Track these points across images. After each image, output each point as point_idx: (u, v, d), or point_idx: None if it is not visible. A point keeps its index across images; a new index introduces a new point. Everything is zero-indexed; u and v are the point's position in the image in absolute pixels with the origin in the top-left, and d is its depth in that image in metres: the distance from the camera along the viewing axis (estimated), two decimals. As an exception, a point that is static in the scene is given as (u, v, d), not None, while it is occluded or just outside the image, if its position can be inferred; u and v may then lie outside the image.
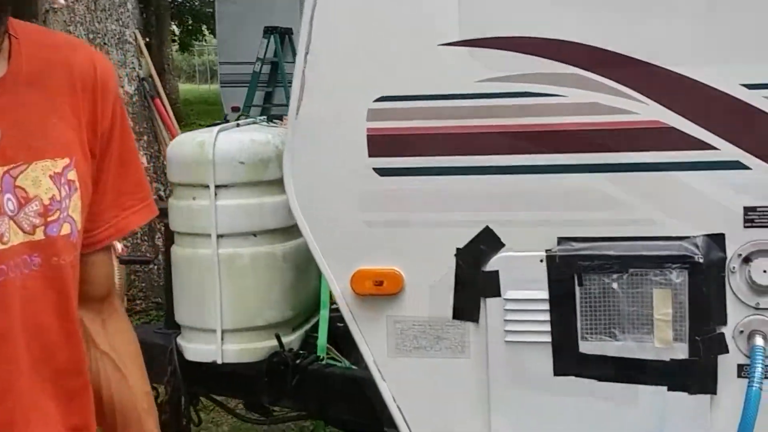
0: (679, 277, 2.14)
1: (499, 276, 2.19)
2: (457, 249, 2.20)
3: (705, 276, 2.12)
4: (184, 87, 26.51)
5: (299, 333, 2.80)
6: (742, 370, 2.15)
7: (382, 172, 2.20)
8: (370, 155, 2.19)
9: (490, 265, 2.19)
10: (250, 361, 2.69)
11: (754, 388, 2.02)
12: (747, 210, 2.09)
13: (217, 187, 2.62)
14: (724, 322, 2.15)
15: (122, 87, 5.47)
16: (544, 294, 2.17)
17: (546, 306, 2.18)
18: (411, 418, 2.26)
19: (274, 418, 3.00)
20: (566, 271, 2.15)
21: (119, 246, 3.77)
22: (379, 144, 2.18)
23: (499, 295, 2.19)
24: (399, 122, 2.18)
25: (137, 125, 5.55)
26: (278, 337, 2.65)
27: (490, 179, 2.16)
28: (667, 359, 2.15)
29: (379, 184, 2.20)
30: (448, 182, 2.18)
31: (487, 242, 2.19)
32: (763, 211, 2.09)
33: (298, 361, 2.66)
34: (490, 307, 2.21)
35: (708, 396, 2.15)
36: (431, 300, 2.24)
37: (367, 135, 2.19)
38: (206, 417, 3.47)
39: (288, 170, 2.25)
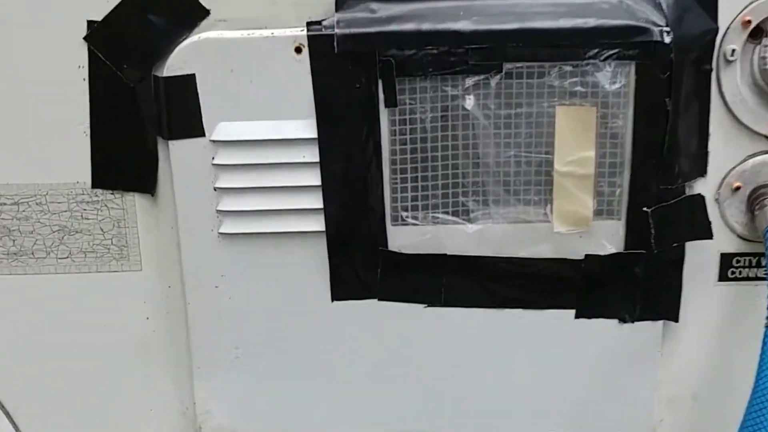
0: (617, 76, 0.91)
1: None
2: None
3: (679, 73, 0.91)
4: None
5: None
6: (730, 266, 0.99)
7: None
8: None
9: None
10: None
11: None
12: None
13: None
14: (703, 171, 0.96)
15: None
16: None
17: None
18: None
19: None
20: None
21: None
22: None
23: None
24: None
25: None
26: None
27: None
28: (579, 257, 0.96)
29: None
30: None
31: None
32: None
33: None
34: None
35: (660, 326, 0.99)
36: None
37: None
38: None
39: None
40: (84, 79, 0.93)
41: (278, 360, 1.00)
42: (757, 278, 0.99)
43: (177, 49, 0.91)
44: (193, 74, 0.91)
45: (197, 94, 0.91)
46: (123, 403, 1.04)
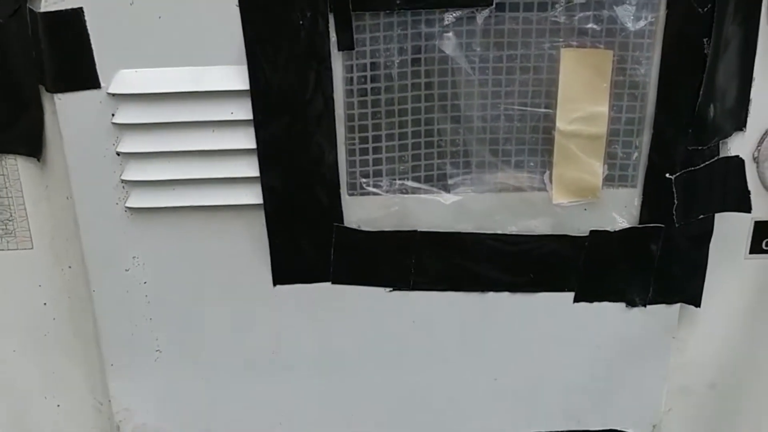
0: (642, 10, 0.69)
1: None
2: None
3: (723, 5, 0.69)
4: None
5: None
6: (766, 236, 0.81)
7: None
8: None
9: None
10: None
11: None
12: None
13: None
14: (742, 124, 0.76)
15: None
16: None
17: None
18: None
19: None
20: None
21: None
22: None
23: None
24: None
25: None
26: None
27: None
28: (583, 233, 0.77)
29: None
30: None
31: None
32: None
33: None
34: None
35: (676, 310, 0.82)
36: None
37: None
38: None
39: None
40: (-65, 13, 0.69)
41: (209, 354, 0.82)
42: (795, 250, 0.81)
43: (56, -27, 0.68)
44: (81, 8, 0.68)
45: (87, 33, 0.69)
46: (24, 400, 0.85)
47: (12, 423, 0.86)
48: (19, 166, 0.75)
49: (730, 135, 0.76)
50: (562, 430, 0.87)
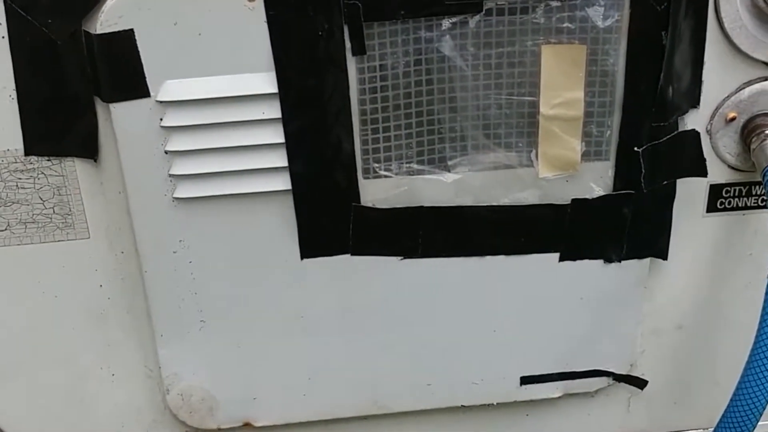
0: (610, 9, 0.82)
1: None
2: None
3: (677, 1, 0.82)
4: None
5: None
6: (720, 197, 0.94)
7: None
8: None
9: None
10: None
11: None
12: None
13: None
14: (696, 102, 0.89)
15: None
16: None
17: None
18: None
19: None
20: None
21: None
22: None
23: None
24: None
25: None
26: None
27: None
28: (566, 201, 0.89)
29: None
30: None
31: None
32: None
33: None
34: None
35: (647, 263, 0.94)
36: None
37: None
38: None
39: None
40: (2, 37, 0.80)
41: (246, 322, 0.93)
42: (746, 207, 0.94)
43: (110, 1, 0.78)
44: (131, 30, 0.79)
45: (138, 51, 0.80)
46: (83, 373, 0.97)
47: (72, 393, 0.97)
48: (77, 167, 0.86)
49: (687, 112, 0.89)
50: (552, 372, 1.00)
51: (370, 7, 0.79)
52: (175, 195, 0.86)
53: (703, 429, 1.05)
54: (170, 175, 0.85)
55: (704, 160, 0.90)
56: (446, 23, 0.81)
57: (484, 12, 0.81)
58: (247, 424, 0.99)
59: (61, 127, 0.84)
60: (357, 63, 0.82)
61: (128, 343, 0.96)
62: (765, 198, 0.91)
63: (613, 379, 1.01)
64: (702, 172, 0.90)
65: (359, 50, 0.81)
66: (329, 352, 0.96)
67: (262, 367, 0.96)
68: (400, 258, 0.92)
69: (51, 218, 0.88)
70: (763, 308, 0.84)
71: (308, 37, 0.80)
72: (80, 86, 0.82)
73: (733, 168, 0.92)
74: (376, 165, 0.87)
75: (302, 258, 0.90)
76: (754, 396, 0.84)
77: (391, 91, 0.84)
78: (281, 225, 0.89)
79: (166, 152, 0.84)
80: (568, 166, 0.88)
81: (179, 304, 0.92)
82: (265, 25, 0.80)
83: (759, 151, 0.88)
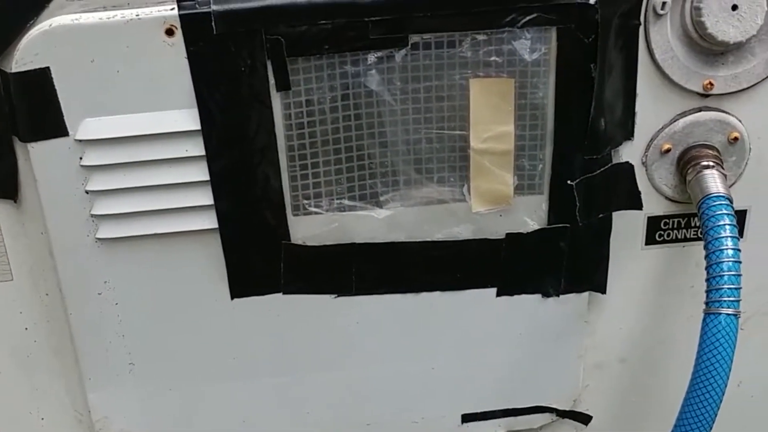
0: (537, 43, 0.80)
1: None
2: None
3: (605, 34, 0.81)
4: None
5: None
6: (658, 229, 0.93)
7: None
8: None
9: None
10: None
11: (725, 305, 0.82)
12: None
13: None
14: (630, 135, 0.87)
15: None
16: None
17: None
18: None
19: None
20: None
21: None
22: None
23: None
24: None
25: None
26: None
27: None
28: (500, 236, 0.88)
29: None
30: None
31: None
32: None
33: None
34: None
35: (586, 297, 0.93)
36: None
37: None
38: None
39: None
40: None
41: (177, 364, 0.91)
42: (686, 239, 0.93)
43: (25, 39, 0.76)
44: (47, 68, 0.77)
45: (54, 89, 0.78)
46: (12, 417, 0.94)
47: (2, 438, 0.95)
48: (-3, 207, 0.84)
49: (621, 144, 0.88)
50: (495, 409, 0.98)
51: (294, 42, 0.78)
52: (98, 235, 0.84)
53: (650, 463, 1.04)
54: (92, 215, 0.83)
55: (639, 192, 0.89)
56: (372, 57, 0.80)
57: (410, 46, 0.80)
58: (181, 468, 0.96)
59: (-21, 169, 0.82)
60: (282, 98, 0.81)
61: (57, 387, 0.93)
62: (702, 230, 0.90)
63: (557, 415, 0.99)
64: (637, 204, 0.89)
65: (283, 86, 0.80)
66: (263, 393, 0.93)
67: (195, 410, 0.94)
68: (333, 296, 0.90)
69: (-29, 260, 0.86)
70: (700, 344, 0.83)
71: (230, 73, 0.79)
72: (-4, 125, 0.80)
73: (670, 200, 0.91)
74: (306, 202, 0.85)
75: (232, 298, 0.88)
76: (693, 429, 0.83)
77: (318, 126, 0.82)
78: (210, 264, 0.87)
79: (86, 192, 0.82)
80: (501, 201, 0.86)
81: (107, 347, 0.89)
82: (186, 61, 0.78)
83: (695, 183, 0.86)
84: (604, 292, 0.93)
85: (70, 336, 0.89)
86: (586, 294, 0.93)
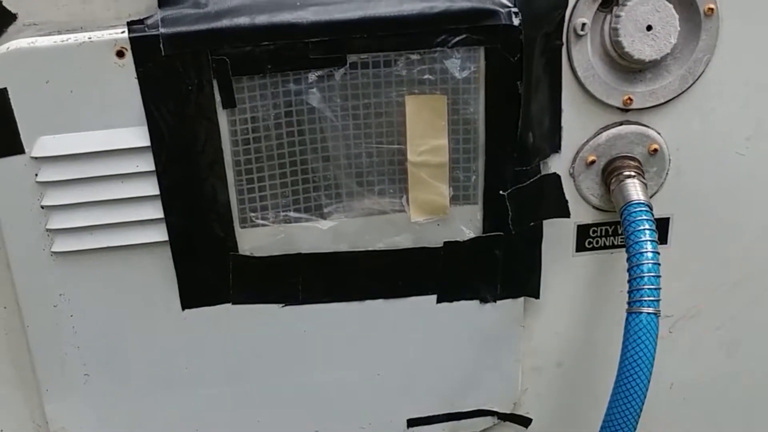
0: (466, 62, 0.86)
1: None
2: None
3: (530, 53, 0.87)
4: None
5: None
6: (587, 237, 0.98)
7: None
8: None
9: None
10: None
11: (645, 305, 0.87)
12: None
13: None
14: (557, 148, 0.93)
15: None
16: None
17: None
18: None
19: None
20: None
21: None
22: None
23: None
24: None
25: None
26: None
27: None
28: (438, 245, 0.93)
29: None
30: None
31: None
32: None
33: None
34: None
35: (521, 302, 0.98)
36: None
37: None
38: None
39: None
40: None
41: (131, 374, 0.94)
42: (613, 246, 0.99)
43: (-19, 60, 0.81)
44: (4, 89, 0.81)
45: (11, 109, 0.82)
46: (-32, 429, 0.97)
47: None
48: (-45, 223, 0.88)
49: (549, 156, 0.93)
50: (439, 413, 1.03)
51: (238, 62, 0.83)
52: (53, 249, 0.88)
53: (590, 464, 1.09)
54: (47, 230, 0.87)
55: (566, 201, 0.94)
56: (312, 76, 0.85)
57: (348, 65, 0.85)
58: (137, 477, 0.99)
59: (-62, 185, 0.86)
60: (228, 116, 0.85)
61: (15, 398, 0.96)
62: (624, 235, 0.95)
63: (498, 418, 1.04)
64: (564, 213, 0.95)
65: (229, 103, 0.85)
66: (216, 402, 0.97)
67: (150, 419, 0.97)
68: (280, 305, 0.94)
69: (-70, 276, 0.89)
70: (623, 342, 0.88)
71: (178, 92, 0.83)
72: (-46, 144, 0.84)
73: (597, 209, 0.97)
74: (253, 214, 0.90)
75: (183, 309, 0.92)
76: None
77: (264, 142, 0.87)
78: (161, 276, 0.91)
79: (42, 207, 0.86)
80: (438, 211, 0.92)
81: (63, 358, 0.93)
82: (136, 81, 0.83)
83: (617, 191, 0.92)
84: (538, 297, 0.98)
85: (27, 347, 0.92)
86: (521, 300, 0.98)
